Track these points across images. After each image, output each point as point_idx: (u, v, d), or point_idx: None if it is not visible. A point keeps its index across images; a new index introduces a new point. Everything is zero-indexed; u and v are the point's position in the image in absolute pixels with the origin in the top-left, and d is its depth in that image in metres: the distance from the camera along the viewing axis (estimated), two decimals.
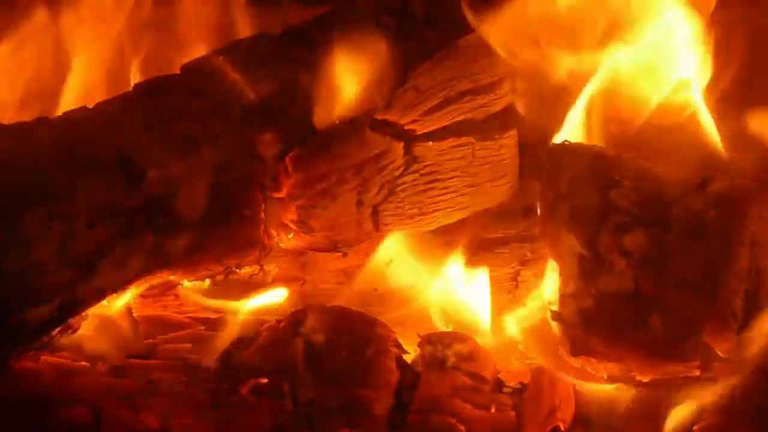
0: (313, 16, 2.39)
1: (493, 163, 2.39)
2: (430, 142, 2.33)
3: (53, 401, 2.09)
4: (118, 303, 2.29)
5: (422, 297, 2.38)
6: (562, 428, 2.10)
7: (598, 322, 2.18)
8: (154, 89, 2.25)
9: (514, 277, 2.42)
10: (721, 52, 2.44)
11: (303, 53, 2.28)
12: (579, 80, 2.46)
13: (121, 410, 2.08)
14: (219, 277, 2.31)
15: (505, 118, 2.39)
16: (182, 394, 2.10)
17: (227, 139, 2.20)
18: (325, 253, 2.34)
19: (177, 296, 2.37)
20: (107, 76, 2.59)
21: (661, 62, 2.45)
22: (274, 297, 2.36)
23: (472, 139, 2.36)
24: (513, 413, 2.11)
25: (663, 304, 2.13)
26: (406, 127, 2.31)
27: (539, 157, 2.36)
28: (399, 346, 2.19)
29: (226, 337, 2.23)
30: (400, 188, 2.32)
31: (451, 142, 2.35)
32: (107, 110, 2.21)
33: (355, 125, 2.26)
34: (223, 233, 2.21)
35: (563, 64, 2.44)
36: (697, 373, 2.13)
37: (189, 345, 2.25)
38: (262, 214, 2.23)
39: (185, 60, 2.33)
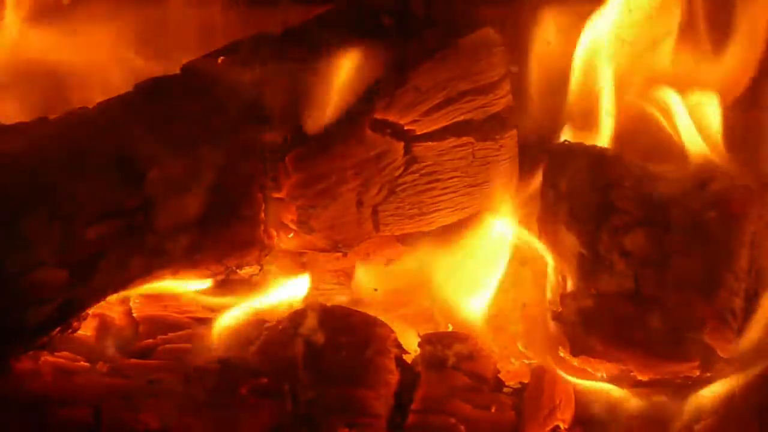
0: (313, 16, 2.39)
1: (493, 163, 2.39)
2: (430, 142, 2.33)
3: (53, 401, 2.09)
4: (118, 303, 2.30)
5: (423, 297, 2.38)
6: (562, 428, 2.10)
7: (598, 322, 2.18)
8: (154, 89, 2.25)
9: (514, 278, 2.42)
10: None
11: (303, 53, 2.28)
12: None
13: (121, 410, 2.08)
14: (219, 277, 2.31)
15: (505, 118, 2.39)
16: (182, 394, 2.10)
17: (227, 139, 2.20)
18: (325, 253, 2.34)
19: (177, 296, 2.37)
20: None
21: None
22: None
23: (472, 139, 2.36)
24: (513, 413, 2.11)
25: (663, 304, 2.14)
26: (406, 127, 2.31)
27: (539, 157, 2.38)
28: (399, 346, 2.19)
29: (226, 337, 2.24)
30: (400, 188, 2.32)
31: (451, 142, 2.35)
32: (107, 110, 2.21)
33: (355, 125, 2.26)
34: (223, 233, 2.21)
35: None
36: (697, 373, 2.13)
37: (189, 345, 2.25)
38: (262, 214, 2.24)
39: (185, 60, 2.33)
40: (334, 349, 2.14)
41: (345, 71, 2.25)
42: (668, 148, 2.41)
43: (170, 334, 2.29)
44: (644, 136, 2.46)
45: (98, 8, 2.61)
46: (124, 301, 2.32)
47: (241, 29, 2.54)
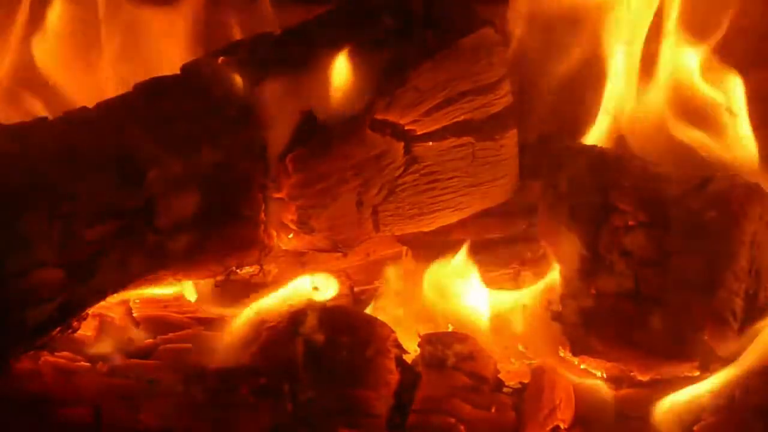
0: (313, 16, 2.39)
1: (493, 163, 2.39)
2: (431, 143, 2.33)
3: (53, 401, 2.09)
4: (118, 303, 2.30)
5: (423, 297, 2.39)
6: (562, 428, 2.10)
7: (598, 322, 2.18)
8: (154, 89, 2.25)
9: (514, 277, 2.42)
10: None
11: (303, 53, 2.28)
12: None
13: (121, 410, 2.08)
14: (219, 278, 2.31)
15: (505, 118, 2.39)
16: (182, 394, 2.10)
17: (227, 139, 2.20)
18: (325, 253, 2.34)
19: (177, 296, 2.37)
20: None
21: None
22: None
23: (472, 139, 2.36)
24: (513, 413, 2.11)
25: (663, 304, 2.13)
26: (406, 127, 2.31)
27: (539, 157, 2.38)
28: (399, 346, 2.19)
29: (226, 337, 2.24)
30: (400, 188, 2.32)
31: (451, 142, 2.35)
32: (108, 110, 2.21)
33: (355, 125, 2.26)
34: (223, 233, 2.21)
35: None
36: (697, 373, 2.13)
37: (189, 345, 2.25)
38: (263, 215, 2.23)
39: (185, 60, 2.33)
40: (334, 349, 2.14)
41: (345, 71, 2.25)
42: (669, 147, 2.41)
43: (170, 334, 2.29)
44: (645, 136, 2.47)
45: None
46: (124, 301, 2.32)
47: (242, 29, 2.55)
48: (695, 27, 2.43)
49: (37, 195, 2.05)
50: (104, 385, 2.13)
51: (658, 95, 2.46)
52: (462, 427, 2.07)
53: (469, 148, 2.37)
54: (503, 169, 2.41)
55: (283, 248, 2.31)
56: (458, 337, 2.22)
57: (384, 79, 2.27)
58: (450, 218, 2.39)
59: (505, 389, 2.17)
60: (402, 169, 2.31)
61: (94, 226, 2.07)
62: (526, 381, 2.18)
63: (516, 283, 2.42)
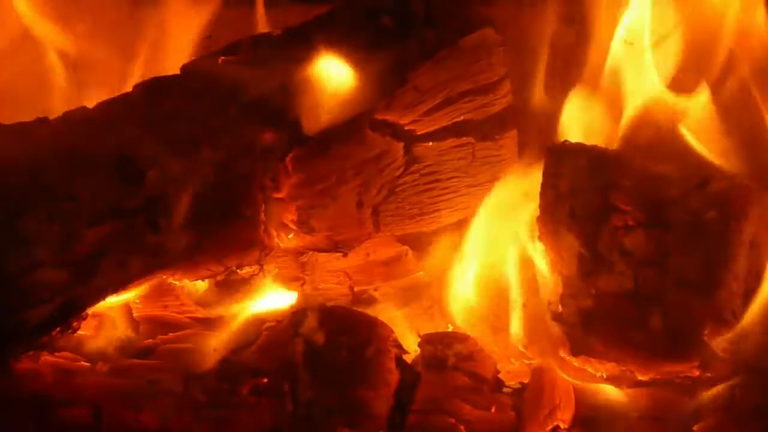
0: (313, 16, 2.39)
1: (493, 163, 2.39)
2: (431, 143, 2.34)
3: (53, 401, 2.09)
4: (119, 303, 2.30)
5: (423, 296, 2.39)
6: (562, 428, 2.10)
7: (598, 322, 2.18)
8: (154, 89, 2.25)
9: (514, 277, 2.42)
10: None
11: (303, 53, 2.28)
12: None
13: (121, 410, 2.08)
14: (219, 277, 2.31)
15: (505, 118, 2.39)
16: (182, 394, 2.10)
17: (227, 139, 2.20)
18: (325, 253, 2.34)
19: (177, 296, 2.37)
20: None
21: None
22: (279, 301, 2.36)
23: (472, 139, 2.37)
24: (513, 413, 2.11)
25: (663, 304, 2.14)
26: (406, 128, 2.31)
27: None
28: (399, 346, 2.19)
29: (226, 337, 2.24)
30: (400, 188, 2.33)
31: (451, 142, 2.35)
32: (108, 110, 2.21)
33: (355, 125, 2.26)
34: (223, 233, 2.21)
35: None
36: (697, 373, 2.13)
37: (189, 345, 2.25)
38: (263, 215, 2.24)
39: (185, 60, 2.33)
40: (334, 349, 2.14)
41: (345, 71, 2.25)
42: (669, 147, 2.41)
43: (170, 334, 2.29)
44: (645, 136, 2.47)
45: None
46: (124, 301, 2.32)
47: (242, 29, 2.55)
48: None
49: (37, 195, 2.04)
50: (104, 385, 2.13)
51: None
52: (462, 427, 2.07)
53: (469, 148, 2.37)
54: (503, 169, 2.41)
55: (283, 248, 2.31)
56: (458, 337, 2.23)
57: (384, 79, 2.27)
58: (450, 218, 2.39)
59: (505, 389, 2.17)
60: (402, 169, 2.32)
61: (94, 227, 2.07)
62: (526, 381, 2.18)
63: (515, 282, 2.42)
